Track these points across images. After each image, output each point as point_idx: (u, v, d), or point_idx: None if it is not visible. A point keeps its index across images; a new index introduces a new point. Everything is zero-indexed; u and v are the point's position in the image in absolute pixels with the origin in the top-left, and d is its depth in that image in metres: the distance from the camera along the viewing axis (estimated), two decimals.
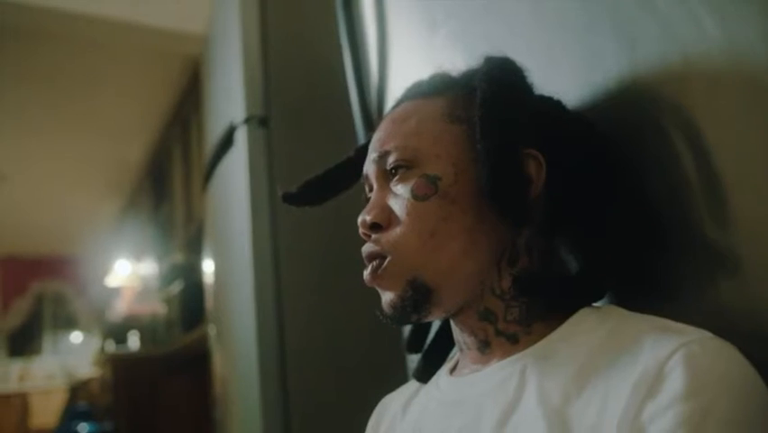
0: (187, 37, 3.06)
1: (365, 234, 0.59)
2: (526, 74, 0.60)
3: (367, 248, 0.59)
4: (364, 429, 0.71)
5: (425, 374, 0.67)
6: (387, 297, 0.58)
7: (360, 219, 0.59)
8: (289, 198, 0.71)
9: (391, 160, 0.59)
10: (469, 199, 0.56)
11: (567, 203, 0.58)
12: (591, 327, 0.52)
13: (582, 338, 0.51)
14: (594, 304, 0.56)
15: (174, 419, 3.67)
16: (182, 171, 4.22)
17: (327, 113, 1.55)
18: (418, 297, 0.55)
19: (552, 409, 0.47)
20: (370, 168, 0.62)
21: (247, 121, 1.58)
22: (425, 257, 0.55)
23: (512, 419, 0.50)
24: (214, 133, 1.89)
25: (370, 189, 0.63)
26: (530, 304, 0.56)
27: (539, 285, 0.56)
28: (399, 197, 0.58)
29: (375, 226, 0.58)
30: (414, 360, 0.94)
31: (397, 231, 0.57)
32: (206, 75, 2.16)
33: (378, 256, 0.57)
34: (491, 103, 0.55)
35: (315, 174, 0.71)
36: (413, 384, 0.69)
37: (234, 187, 1.64)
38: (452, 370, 0.63)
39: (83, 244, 6.60)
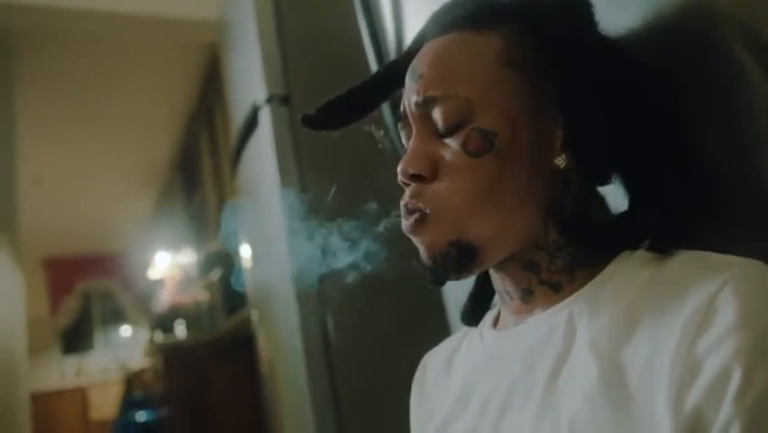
0: (202, 25, 3.06)
1: (404, 183, 0.55)
2: (594, 10, 0.54)
3: (408, 203, 0.54)
4: (408, 392, 0.71)
5: (473, 318, 0.65)
6: (427, 252, 0.54)
7: (400, 168, 0.54)
8: (308, 121, 0.65)
9: (440, 112, 0.53)
10: (523, 157, 0.51)
11: (620, 148, 0.54)
12: (635, 267, 0.50)
13: (627, 280, 0.50)
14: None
15: (226, 401, 3.76)
16: (210, 159, 4.26)
17: (348, 83, 1.54)
18: (462, 257, 0.52)
19: (603, 353, 0.46)
20: (410, 107, 0.56)
21: (269, 100, 1.58)
22: (472, 218, 0.52)
23: (564, 368, 0.49)
24: (238, 116, 1.89)
25: (407, 131, 0.57)
26: (575, 253, 0.54)
27: (588, 234, 0.54)
28: (448, 149, 0.53)
29: (417, 176, 0.54)
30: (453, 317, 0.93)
31: (443, 187, 0.52)
32: (225, 60, 2.16)
33: (419, 211, 0.53)
34: (578, 63, 0.51)
35: (337, 94, 0.64)
36: (454, 339, 0.68)
37: (263, 167, 1.64)
38: (495, 321, 0.62)
39: (122, 239, 6.75)
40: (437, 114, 0.53)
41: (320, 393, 1.47)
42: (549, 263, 0.54)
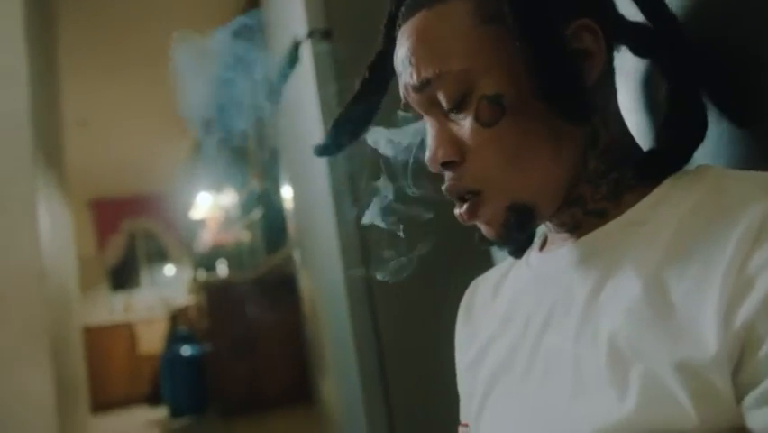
0: None
1: (438, 170, 0.55)
2: None
3: (452, 188, 0.54)
4: (450, 325, 0.71)
5: (519, 251, 0.66)
6: (490, 229, 0.55)
7: (428, 158, 0.55)
8: (322, 151, 0.66)
9: (441, 92, 0.53)
10: (536, 105, 0.50)
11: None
12: (684, 188, 0.50)
13: (675, 201, 0.49)
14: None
15: (267, 336, 3.88)
16: None
17: None
18: (522, 218, 0.53)
19: (647, 273, 0.46)
20: (411, 96, 0.56)
21: (310, 35, 1.55)
22: (517, 180, 0.52)
23: (606, 286, 0.49)
24: (278, 52, 1.87)
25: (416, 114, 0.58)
26: (619, 178, 0.53)
27: (628, 154, 0.54)
28: (463, 126, 0.53)
29: (448, 163, 0.54)
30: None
31: (477, 165, 0.52)
32: None
33: (467, 192, 0.54)
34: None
35: (335, 119, 0.65)
36: (503, 266, 0.69)
37: (304, 103, 1.63)
38: (542, 247, 0.63)
39: (165, 180, 6.87)
40: (439, 94, 0.53)
41: (362, 330, 1.49)
42: (593, 193, 0.54)
